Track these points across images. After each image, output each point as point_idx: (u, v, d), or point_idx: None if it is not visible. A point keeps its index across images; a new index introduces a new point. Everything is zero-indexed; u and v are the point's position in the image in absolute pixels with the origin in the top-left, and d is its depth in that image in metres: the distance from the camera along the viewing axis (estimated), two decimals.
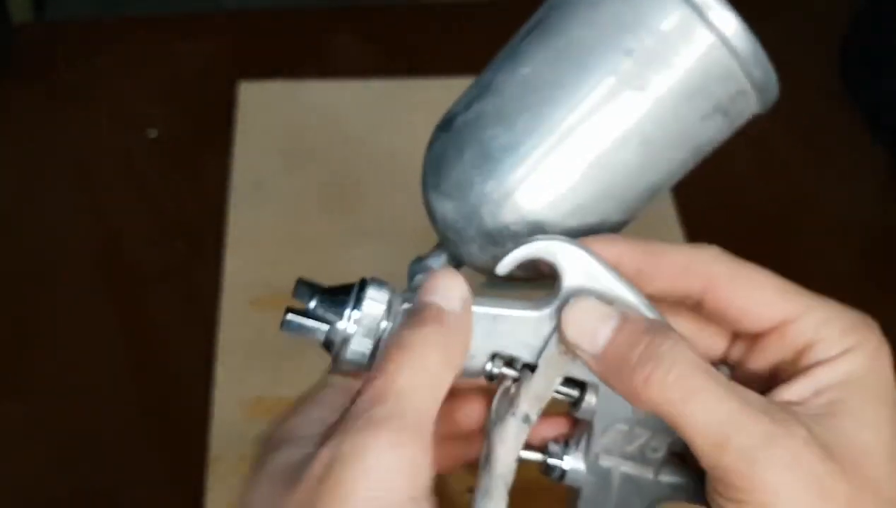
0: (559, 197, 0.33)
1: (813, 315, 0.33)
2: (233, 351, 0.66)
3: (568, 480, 0.33)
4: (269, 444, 0.32)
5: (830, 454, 0.27)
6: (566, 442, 0.33)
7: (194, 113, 0.83)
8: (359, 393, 0.28)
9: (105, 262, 0.73)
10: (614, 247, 0.34)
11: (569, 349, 0.30)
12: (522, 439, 0.31)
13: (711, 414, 0.27)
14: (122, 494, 0.59)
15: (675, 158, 0.36)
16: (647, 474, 0.32)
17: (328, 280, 0.34)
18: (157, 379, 0.65)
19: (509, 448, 0.31)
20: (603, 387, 0.31)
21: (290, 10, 0.94)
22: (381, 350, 0.30)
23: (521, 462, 0.32)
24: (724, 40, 0.33)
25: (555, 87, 0.33)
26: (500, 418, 0.31)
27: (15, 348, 0.66)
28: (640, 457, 0.32)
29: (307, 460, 0.28)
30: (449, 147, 0.34)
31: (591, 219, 0.35)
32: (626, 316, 0.30)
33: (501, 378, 0.32)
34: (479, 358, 0.31)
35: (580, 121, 0.32)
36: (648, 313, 0.31)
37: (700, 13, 0.32)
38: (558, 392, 0.32)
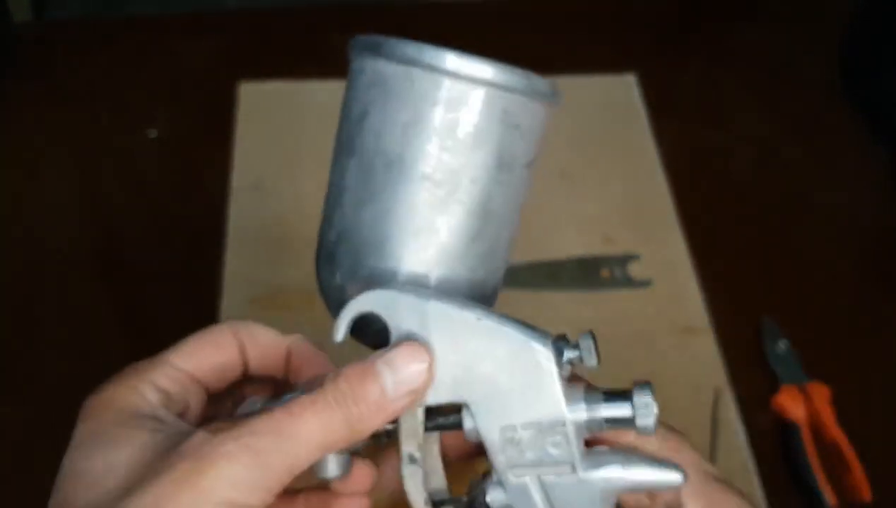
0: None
1: None
2: None
3: None
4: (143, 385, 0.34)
5: None
6: (483, 475, 0.33)
7: (194, 113, 0.83)
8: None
9: (105, 262, 0.73)
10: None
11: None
12: (418, 478, 0.32)
13: None
14: None
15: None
16: (567, 474, 0.32)
17: None
18: None
19: (412, 489, 0.33)
20: (473, 404, 0.32)
21: (290, 10, 0.94)
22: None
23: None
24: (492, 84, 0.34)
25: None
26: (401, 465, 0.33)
27: (15, 347, 0.66)
28: (547, 459, 0.32)
29: (181, 441, 0.30)
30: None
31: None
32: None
33: (385, 432, 0.33)
34: None
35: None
36: None
37: (454, 75, 0.34)
38: (436, 426, 0.33)
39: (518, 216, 0.37)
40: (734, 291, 0.72)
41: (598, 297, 0.71)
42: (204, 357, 0.36)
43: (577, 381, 0.33)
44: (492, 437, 0.32)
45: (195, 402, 0.35)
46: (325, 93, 0.84)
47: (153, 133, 0.81)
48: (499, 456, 0.32)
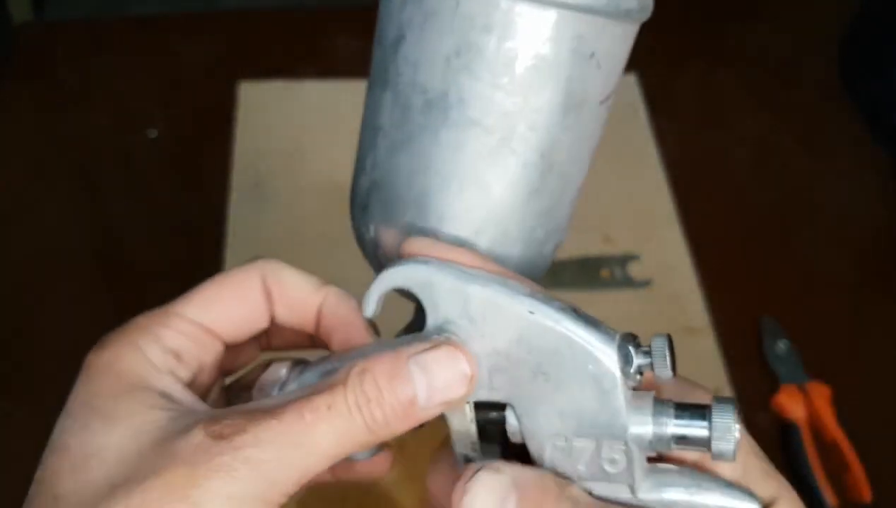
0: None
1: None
2: None
3: None
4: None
5: None
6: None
7: (194, 113, 0.83)
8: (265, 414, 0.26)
9: (105, 262, 0.73)
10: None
11: None
12: None
13: None
14: None
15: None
16: (624, 493, 0.27)
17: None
18: None
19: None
20: (519, 405, 0.28)
21: (289, 10, 0.94)
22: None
23: None
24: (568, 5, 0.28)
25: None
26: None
27: (15, 347, 0.66)
28: (601, 475, 0.27)
29: (185, 433, 0.26)
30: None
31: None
32: (522, 489, 0.26)
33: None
34: None
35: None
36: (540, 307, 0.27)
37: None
38: (485, 421, 0.28)
39: (587, 165, 0.32)
40: (734, 291, 0.72)
41: (598, 297, 0.71)
42: (223, 308, 0.32)
43: (645, 389, 0.28)
44: (537, 443, 0.27)
45: (210, 358, 0.32)
46: (325, 93, 0.84)
47: (153, 133, 0.81)
48: (544, 465, 0.28)
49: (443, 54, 0.28)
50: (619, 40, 0.30)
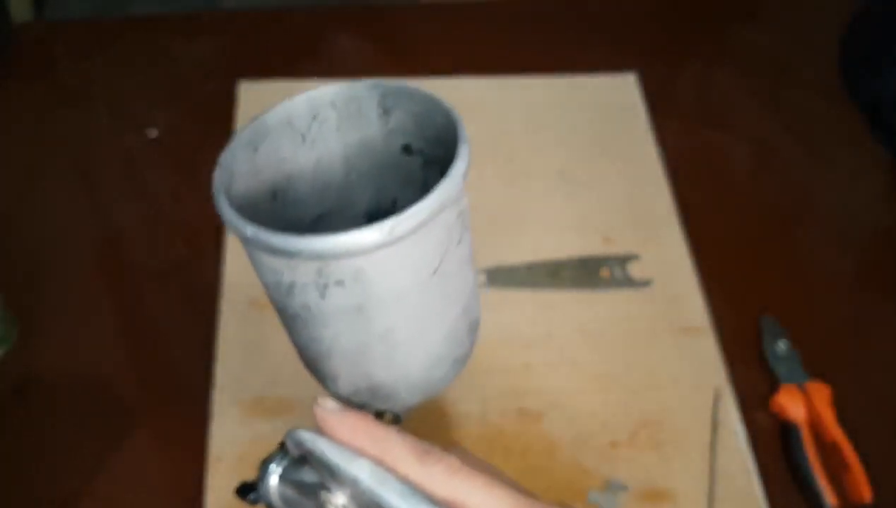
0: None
1: None
2: (232, 351, 0.66)
3: None
4: None
5: None
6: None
7: (194, 113, 0.83)
8: None
9: (105, 262, 0.73)
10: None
11: None
12: None
13: None
14: (122, 494, 0.59)
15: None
16: None
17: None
18: (157, 379, 0.65)
19: None
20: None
21: (289, 10, 0.94)
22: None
23: None
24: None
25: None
26: None
27: (14, 348, 0.66)
28: None
29: None
30: None
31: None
32: None
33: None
34: None
35: None
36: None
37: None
38: None
39: (438, 320, 0.39)
40: (734, 291, 0.72)
41: (598, 297, 0.71)
42: None
43: None
44: None
45: None
46: None
47: (153, 133, 0.81)
48: None
49: (279, 292, 0.37)
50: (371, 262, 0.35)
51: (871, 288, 0.75)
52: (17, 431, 0.62)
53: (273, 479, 0.36)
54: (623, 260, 0.73)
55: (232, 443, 0.61)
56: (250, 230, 0.34)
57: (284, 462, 0.36)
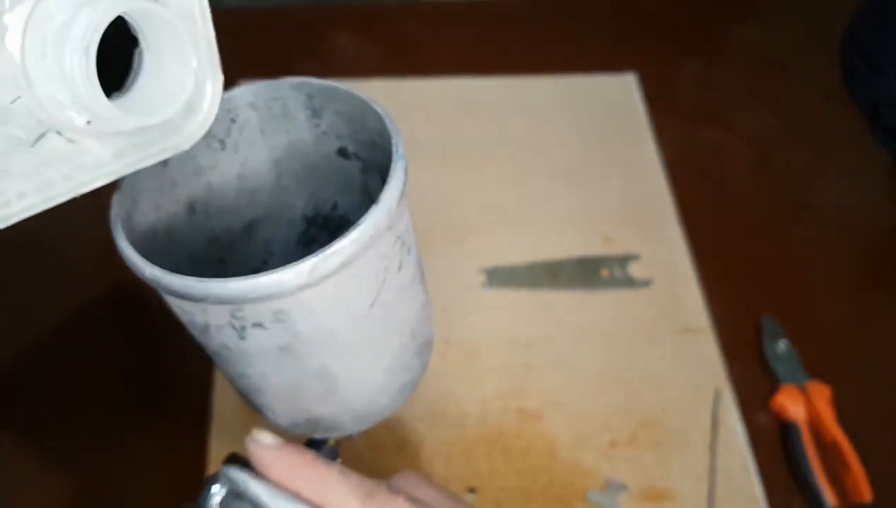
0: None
1: None
2: None
3: None
4: None
5: None
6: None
7: None
8: None
9: (105, 262, 0.72)
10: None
11: None
12: None
13: None
14: (121, 494, 0.59)
15: None
16: None
17: None
18: (157, 379, 0.65)
19: None
20: None
21: (289, 9, 0.94)
22: None
23: None
24: None
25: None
26: None
27: (14, 347, 0.66)
28: None
29: None
30: None
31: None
32: None
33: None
34: None
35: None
36: None
37: None
38: None
39: (375, 351, 0.38)
40: (734, 291, 0.72)
41: (598, 297, 0.71)
42: None
43: None
44: None
45: None
46: None
47: None
48: None
49: (195, 330, 0.37)
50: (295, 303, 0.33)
51: (871, 288, 0.75)
52: (17, 429, 0.62)
53: (216, 500, 0.35)
54: (623, 260, 0.73)
55: (232, 443, 0.61)
56: (149, 271, 0.32)
57: (224, 491, 0.35)
